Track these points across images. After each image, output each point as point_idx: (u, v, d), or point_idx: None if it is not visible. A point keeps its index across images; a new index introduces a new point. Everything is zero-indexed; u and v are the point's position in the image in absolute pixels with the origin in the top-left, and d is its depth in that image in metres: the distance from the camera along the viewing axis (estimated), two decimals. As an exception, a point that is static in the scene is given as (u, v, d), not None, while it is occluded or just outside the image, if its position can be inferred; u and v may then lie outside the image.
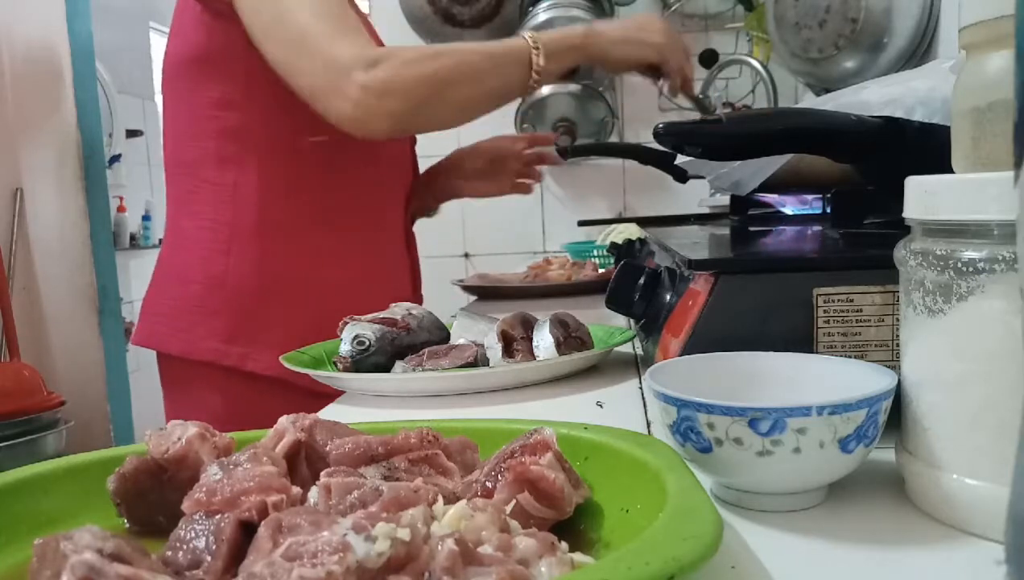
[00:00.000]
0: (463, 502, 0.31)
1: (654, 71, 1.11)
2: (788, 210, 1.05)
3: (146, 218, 3.38)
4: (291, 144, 1.01)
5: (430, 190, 1.28)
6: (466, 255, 2.27)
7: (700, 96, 1.31)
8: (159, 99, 1.61)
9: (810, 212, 1.03)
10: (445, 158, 1.28)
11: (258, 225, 1.01)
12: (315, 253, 1.03)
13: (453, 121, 1.03)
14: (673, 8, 2.12)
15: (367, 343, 0.72)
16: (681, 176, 1.27)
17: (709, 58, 2.07)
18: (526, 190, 1.28)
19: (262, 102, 1.00)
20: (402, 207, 1.16)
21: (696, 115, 1.21)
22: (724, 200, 1.31)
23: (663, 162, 1.28)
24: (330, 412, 0.65)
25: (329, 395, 0.72)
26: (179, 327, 1.04)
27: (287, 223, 1.02)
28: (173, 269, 1.06)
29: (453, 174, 1.26)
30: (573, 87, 2.05)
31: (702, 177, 1.13)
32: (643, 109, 2.16)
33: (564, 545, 0.31)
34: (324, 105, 0.92)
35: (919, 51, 1.31)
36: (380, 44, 1.03)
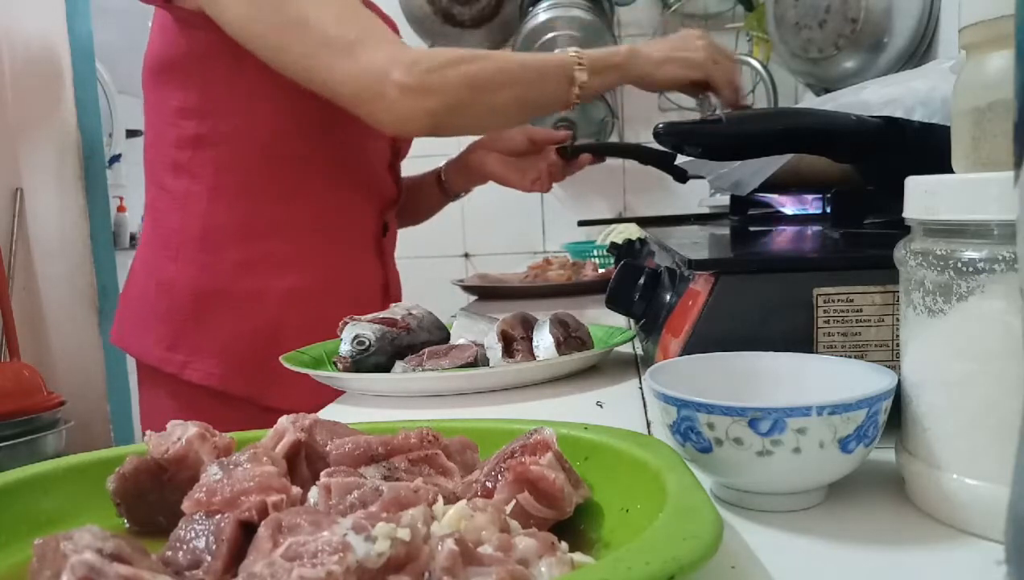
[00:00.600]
0: (463, 502, 0.31)
1: (701, 88, 1.10)
2: (788, 210, 1.05)
3: (146, 218, 3.39)
4: (246, 156, 1.01)
5: (459, 166, 1.27)
6: (466, 255, 2.26)
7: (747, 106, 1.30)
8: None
9: (810, 212, 1.03)
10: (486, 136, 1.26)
11: (203, 234, 1.01)
12: (261, 264, 1.02)
13: (488, 125, 1.02)
14: (673, 8, 2.12)
15: (367, 343, 0.72)
16: (681, 176, 1.27)
17: (709, 58, 2.07)
18: (543, 189, 1.25)
19: (218, 113, 1.00)
20: (373, 218, 1.14)
21: (696, 115, 1.20)
22: (724, 200, 1.31)
23: (663, 162, 1.28)
24: (330, 412, 0.65)
25: (281, 410, 0.68)
26: (136, 330, 1.05)
27: (233, 233, 1.01)
28: (135, 272, 1.08)
29: (489, 146, 1.23)
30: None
31: (702, 177, 1.13)
32: (643, 109, 2.16)
33: (564, 545, 0.31)
34: (364, 108, 0.93)
35: (919, 51, 1.31)
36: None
